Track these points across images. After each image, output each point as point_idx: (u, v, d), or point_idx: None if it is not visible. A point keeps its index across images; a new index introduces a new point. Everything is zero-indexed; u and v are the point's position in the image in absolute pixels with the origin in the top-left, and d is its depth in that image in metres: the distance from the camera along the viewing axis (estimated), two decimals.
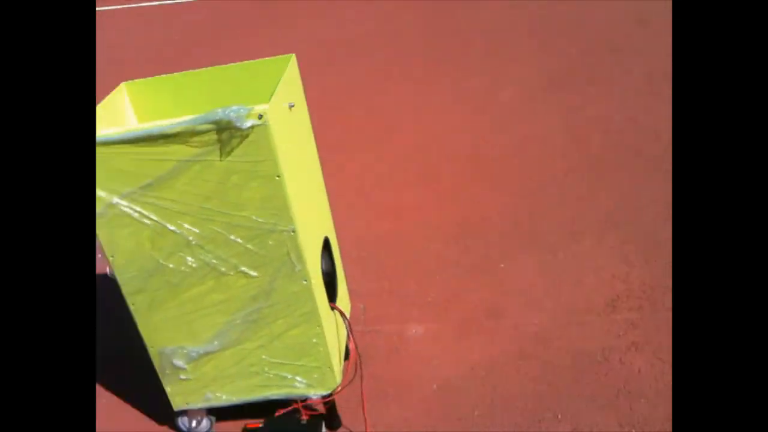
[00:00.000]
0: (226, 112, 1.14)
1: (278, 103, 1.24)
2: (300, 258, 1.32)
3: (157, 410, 1.69)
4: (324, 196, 1.57)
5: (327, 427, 1.60)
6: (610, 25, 3.87)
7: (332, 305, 1.53)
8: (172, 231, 1.28)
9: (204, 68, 1.44)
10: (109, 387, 1.84)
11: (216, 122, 1.15)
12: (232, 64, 1.44)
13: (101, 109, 1.38)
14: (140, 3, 5.95)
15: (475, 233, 2.28)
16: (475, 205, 2.46)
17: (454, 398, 1.65)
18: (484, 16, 4.41)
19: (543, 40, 3.86)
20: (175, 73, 1.45)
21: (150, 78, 1.45)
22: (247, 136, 1.18)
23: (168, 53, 4.64)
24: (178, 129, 1.16)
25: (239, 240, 1.30)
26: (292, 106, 1.32)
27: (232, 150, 1.19)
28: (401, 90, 3.56)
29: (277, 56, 1.40)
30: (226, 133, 1.17)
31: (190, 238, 1.29)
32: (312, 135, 1.49)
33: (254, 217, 1.27)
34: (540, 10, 4.27)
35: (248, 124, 1.15)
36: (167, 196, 1.24)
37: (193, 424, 1.63)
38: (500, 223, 2.32)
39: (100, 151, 1.19)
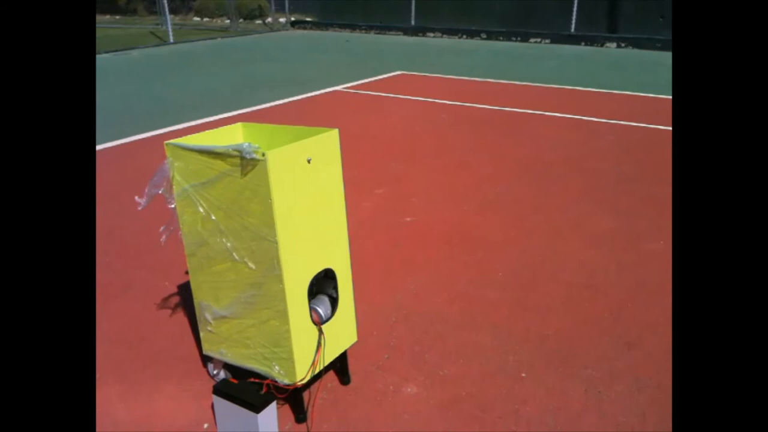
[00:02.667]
0: (245, 146, 1.69)
1: (289, 153, 1.74)
2: (279, 265, 1.77)
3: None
4: (339, 238, 1.97)
5: (296, 418, 1.99)
6: None
7: (314, 321, 1.93)
8: (212, 219, 1.87)
9: (290, 125, 2.02)
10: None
11: (238, 150, 1.70)
12: (308, 126, 1.98)
13: (220, 132, 2.06)
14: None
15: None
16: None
17: None
18: None
19: None
20: (273, 124, 2.06)
21: (257, 123, 2.09)
22: (255, 165, 1.70)
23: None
24: (220, 150, 1.75)
25: (246, 238, 1.82)
26: (310, 160, 1.80)
27: (247, 173, 1.73)
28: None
29: (329, 128, 1.90)
30: (244, 160, 1.71)
31: (221, 227, 1.86)
32: (340, 191, 1.95)
33: (256, 224, 1.77)
34: None
35: (253, 156, 1.67)
36: (212, 194, 1.83)
37: (215, 372, 2.18)
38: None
39: (184, 153, 1.84)
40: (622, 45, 10.92)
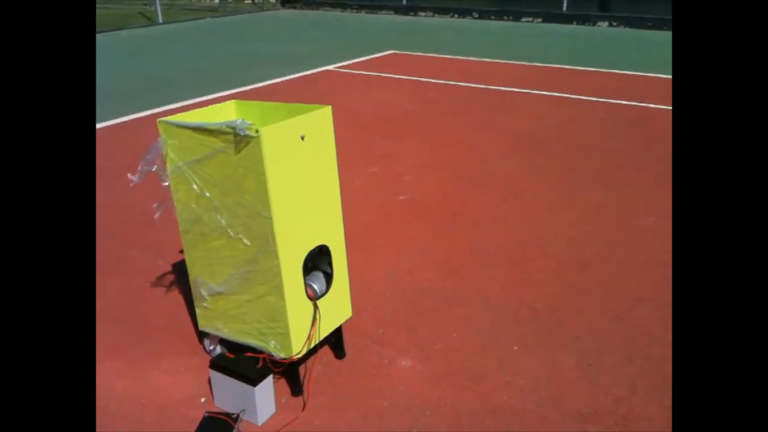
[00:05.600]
0: (238, 123, 1.69)
1: (283, 129, 1.74)
2: (274, 241, 1.79)
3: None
4: (333, 215, 1.99)
5: (292, 392, 2.02)
6: None
7: (310, 296, 1.95)
8: (207, 196, 1.88)
9: (284, 103, 2.02)
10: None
11: (232, 127, 1.71)
12: (300, 104, 1.98)
13: (213, 109, 2.06)
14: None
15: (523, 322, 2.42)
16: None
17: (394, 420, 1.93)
18: None
19: None
20: (265, 102, 2.06)
21: (250, 101, 2.09)
22: (249, 142, 1.71)
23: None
24: (213, 127, 1.75)
25: (241, 215, 1.83)
26: (303, 137, 1.81)
27: (240, 149, 1.73)
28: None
29: (322, 105, 1.90)
30: (238, 137, 1.72)
31: (216, 204, 1.87)
32: (334, 168, 1.96)
33: (250, 201, 1.78)
34: None
35: (247, 133, 1.68)
36: (206, 171, 1.84)
37: (211, 347, 2.21)
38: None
39: (177, 131, 1.85)
40: (614, 24, 10.88)
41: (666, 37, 9.45)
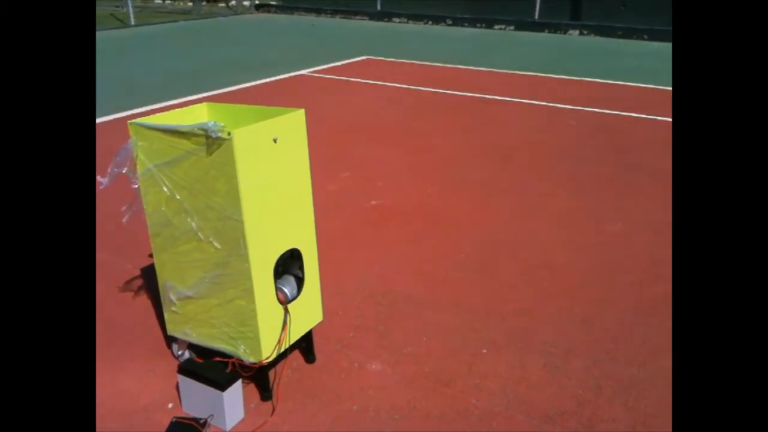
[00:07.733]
0: (210, 125, 1.69)
1: (255, 132, 1.74)
2: (245, 244, 1.79)
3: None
4: (305, 219, 1.99)
5: (261, 396, 2.01)
6: None
7: (280, 300, 1.95)
8: (177, 199, 1.87)
9: (256, 105, 2.02)
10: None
11: (203, 129, 1.71)
12: (273, 107, 1.98)
13: (185, 111, 2.05)
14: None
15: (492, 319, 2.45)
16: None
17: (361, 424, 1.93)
18: None
19: None
20: (238, 104, 2.06)
21: (222, 104, 2.09)
22: (221, 145, 1.70)
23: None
24: (185, 129, 1.75)
25: (211, 218, 1.82)
26: (276, 140, 1.81)
27: (212, 152, 1.73)
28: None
29: (295, 108, 1.91)
30: (210, 139, 1.71)
31: (186, 206, 1.86)
32: (306, 172, 1.96)
33: (221, 204, 1.78)
34: None
35: (219, 135, 1.68)
36: (176, 173, 1.83)
37: (179, 352, 2.19)
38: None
39: (148, 133, 1.83)
40: (585, 32, 11.08)
41: (635, 46, 9.65)
